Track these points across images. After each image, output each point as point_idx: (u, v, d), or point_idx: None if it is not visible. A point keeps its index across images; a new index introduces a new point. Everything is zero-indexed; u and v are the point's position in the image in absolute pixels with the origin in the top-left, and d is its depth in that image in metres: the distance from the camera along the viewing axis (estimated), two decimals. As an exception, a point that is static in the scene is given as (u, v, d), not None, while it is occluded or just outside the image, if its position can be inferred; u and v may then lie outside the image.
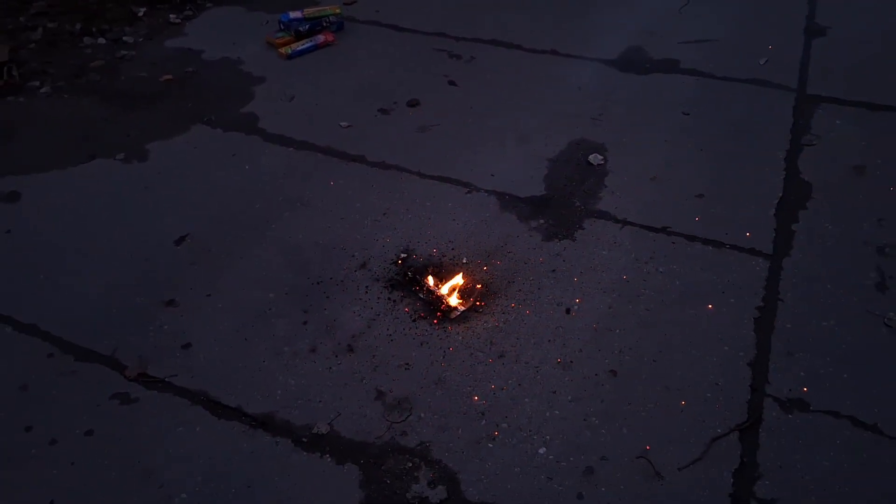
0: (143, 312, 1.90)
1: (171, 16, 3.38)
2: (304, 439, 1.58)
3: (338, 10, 3.24)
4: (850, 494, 1.44)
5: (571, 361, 1.72)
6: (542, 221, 2.14)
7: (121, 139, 2.57)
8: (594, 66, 2.87)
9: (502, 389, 1.67)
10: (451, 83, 2.82)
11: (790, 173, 2.25)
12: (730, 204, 2.15)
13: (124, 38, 3.21)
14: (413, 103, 2.71)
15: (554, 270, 1.97)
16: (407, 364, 1.73)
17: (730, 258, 1.97)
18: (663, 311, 1.83)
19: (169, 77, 2.93)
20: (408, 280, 1.95)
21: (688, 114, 2.56)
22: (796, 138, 2.40)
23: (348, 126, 2.60)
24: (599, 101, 2.66)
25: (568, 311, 1.85)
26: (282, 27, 3.18)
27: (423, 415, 1.62)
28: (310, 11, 3.20)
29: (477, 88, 2.79)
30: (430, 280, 1.93)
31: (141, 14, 3.40)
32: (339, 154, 2.46)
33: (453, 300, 1.88)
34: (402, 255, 2.03)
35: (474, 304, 1.88)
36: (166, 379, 1.73)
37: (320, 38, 3.11)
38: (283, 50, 3.04)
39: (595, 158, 2.36)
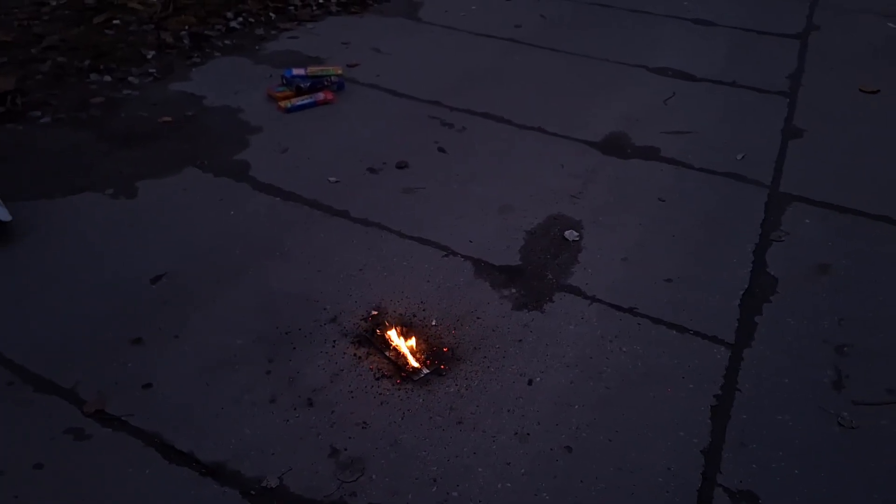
0: (108, 348, 1.91)
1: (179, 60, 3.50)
2: (252, 492, 1.57)
3: (340, 71, 3.37)
4: None
5: (528, 434, 1.73)
6: (513, 291, 2.18)
7: (112, 175, 2.63)
8: (578, 147, 2.99)
9: (456, 457, 1.67)
10: (441, 150, 2.92)
11: (757, 266, 2.32)
12: (697, 291, 2.21)
13: (129, 79, 3.31)
14: (401, 165, 2.79)
15: (520, 340, 2.00)
16: (365, 423, 1.74)
17: (692, 344, 2.01)
18: (623, 391, 1.86)
19: (168, 119, 3.01)
20: (375, 337, 1.97)
21: (664, 200, 2.65)
22: (766, 233, 2.49)
23: (336, 181, 2.68)
24: (580, 179, 2.75)
25: (530, 382, 1.87)
26: (284, 82, 3.30)
27: (374, 476, 1.62)
28: (313, 70, 3.33)
29: (464, 157, 2.88)
30: (397, 339, 1.95)
31: (149, 57, 3.52)
32: (324, 208, 2.52)
33: (417, 362, 1.90)
34: (373, 313, 2.06)
35: (438, 367, 1.90)
36: (122, 417, 1.72)
37: (320, 95, 3.22)
38: (282, 103, 3.15)
39: (571, 234, 2.43)
